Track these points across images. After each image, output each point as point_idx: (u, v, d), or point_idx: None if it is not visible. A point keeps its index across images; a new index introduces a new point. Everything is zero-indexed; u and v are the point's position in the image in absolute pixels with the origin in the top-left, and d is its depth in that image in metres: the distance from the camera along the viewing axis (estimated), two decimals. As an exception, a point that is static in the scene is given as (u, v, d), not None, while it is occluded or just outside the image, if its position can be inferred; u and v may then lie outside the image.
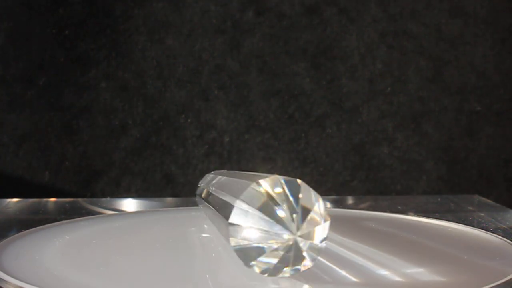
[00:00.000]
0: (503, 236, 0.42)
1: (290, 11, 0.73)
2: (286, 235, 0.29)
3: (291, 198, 0.30)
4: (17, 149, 0.71)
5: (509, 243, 0.40)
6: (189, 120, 0.72)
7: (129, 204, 0.62)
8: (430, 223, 0.48)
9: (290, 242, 0.29)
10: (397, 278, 0.34)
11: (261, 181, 0.29)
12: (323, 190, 0.73)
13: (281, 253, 0.30)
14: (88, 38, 0.72)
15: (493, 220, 0.49)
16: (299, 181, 0.30)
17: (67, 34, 0.72)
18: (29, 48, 0.71)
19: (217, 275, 0.33)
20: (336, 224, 0.47)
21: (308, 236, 0.30)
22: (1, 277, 0.31)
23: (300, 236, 0.30)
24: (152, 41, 0.72)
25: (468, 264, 0.37)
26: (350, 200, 0.65)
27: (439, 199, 0.62)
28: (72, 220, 0.47)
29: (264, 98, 0.73)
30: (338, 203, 0.62)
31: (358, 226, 0.47)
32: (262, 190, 0.29)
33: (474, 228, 0.45)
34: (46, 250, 0.37)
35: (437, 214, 0.52)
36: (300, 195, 0.30)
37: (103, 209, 0.56)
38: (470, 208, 0.57)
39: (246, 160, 0.72)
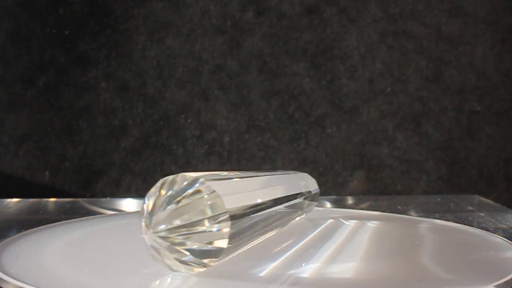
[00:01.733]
0: (503, 236, 0.42)
1: (290, 11, 0.73)
2: (145, 230, 0.31)
3: (170, 199, 0.30)
4: (17, 149, 0.71)
5: (509, 243, 0.40)
6: (189, 120, 0.72)
7: (129, 204, 0.62)
8: (430, 223, 0.48)
9: (146, 239, 0.31)
10: (397, 276, 0.34)
11: (164, 179, 0.31)
12: (323, 190, 0.73)
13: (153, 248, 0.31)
14: (88, 38, 0.72)
15: (493, 220, 0.49)
16: (200, 180, 0.30)
17: (67, 34, 0.72)
18: (29, 48, 0.71)
19: (216, 274, 0.33)
20: (330, 221, 0.47)
21: (178, 236, 0.30)
22: (1, 278, 0.31)
23: (157, 234, 0.30)
24: (152, 41, 0.72)
25: (468, 264, 0.37)
26: (350, 200, 0.65)
27: (439, 199, 0.62)
28: (72, 220, 0.47)
29: (264, 98, 0.73)
30: (338, 203, 0.62)
31: (357, 224, 0.47)
32: (158, 186, 0.31)
33: (474, 228, 0.45)
34: (46, 250, 0.37)
35: (437, 214, 0.52)
36: (191, 197, 0.30)
37: (103, 209, 0.56)
38: (470, 208, 0.57)
39: (246, 160, 0.72)
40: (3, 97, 0.71)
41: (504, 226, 0.46)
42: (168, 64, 0.72)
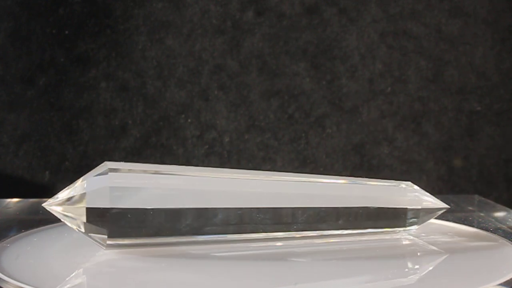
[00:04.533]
0: (503, 236, 0.42)
1: (290, 11, 0.73)
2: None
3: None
4: (17, 149, 0.71)
5: (509, 243, 0.40)
6: (189, 120, 0.72)
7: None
8: (429, 223, 0.48)
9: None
10: (397, 278, 0.34)
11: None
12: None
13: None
14: (88, 38, 0.72)
15: (493, 220, 0.49)
16: (106, 169, 0.32)
17: (67, 34, 0.72)
18: (29, 48, 0.71)
19: (215, 274, 0.33)
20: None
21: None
22: (1, 278, 0.31)
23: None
24: (152, 41, 0.72)
25: (468, 264, 0.37)
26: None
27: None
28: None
29: (264, 98, 0.73)
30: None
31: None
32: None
33: (474, 228, 0.45)
34: (46, 250, 0.37)
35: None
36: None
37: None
38: (470, 208, 0.57)
39: (246, 160, 0.72)
40: (3, 97, 0.71)
41: (504, 226, 0.46)
42: (168, 64, 0.72)
